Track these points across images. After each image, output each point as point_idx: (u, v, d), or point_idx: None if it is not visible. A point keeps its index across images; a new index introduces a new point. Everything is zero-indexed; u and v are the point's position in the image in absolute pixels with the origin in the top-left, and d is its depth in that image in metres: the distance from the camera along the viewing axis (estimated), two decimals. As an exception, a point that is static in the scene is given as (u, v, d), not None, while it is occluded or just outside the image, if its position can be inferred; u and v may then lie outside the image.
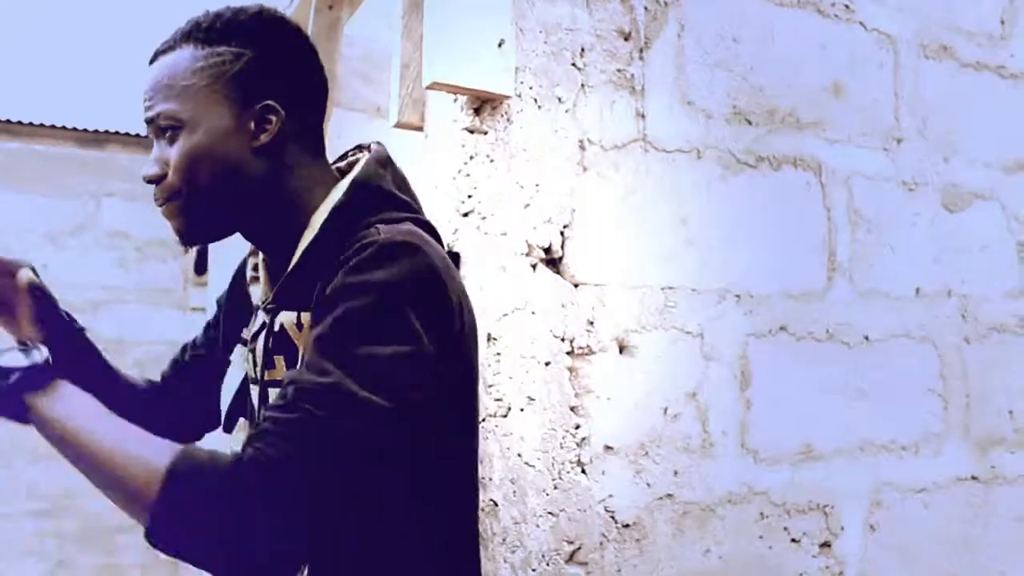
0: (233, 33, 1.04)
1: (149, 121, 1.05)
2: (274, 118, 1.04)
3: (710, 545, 1.59)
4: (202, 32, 1.05)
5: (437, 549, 1.02)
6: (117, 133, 6.14)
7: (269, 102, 1.04)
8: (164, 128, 1.03)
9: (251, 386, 1.12)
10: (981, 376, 1.97)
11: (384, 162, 1.09)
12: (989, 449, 1.98)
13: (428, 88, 1.31)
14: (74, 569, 5.52)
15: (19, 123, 5.98)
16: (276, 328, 1.05)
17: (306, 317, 1.01)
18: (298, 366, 0.99)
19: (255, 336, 1.11)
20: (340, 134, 3.40)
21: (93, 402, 0.93)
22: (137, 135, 6.15)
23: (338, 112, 3.14)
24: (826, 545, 1.73)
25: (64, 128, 6.10)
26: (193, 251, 5.47)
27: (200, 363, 1.30)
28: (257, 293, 1.14)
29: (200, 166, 1.01)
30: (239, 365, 1.18)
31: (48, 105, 7.33)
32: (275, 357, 1.06)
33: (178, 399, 1.31)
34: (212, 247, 5.00)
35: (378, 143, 1.14)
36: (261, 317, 1.10)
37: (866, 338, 1.81)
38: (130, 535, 5.60)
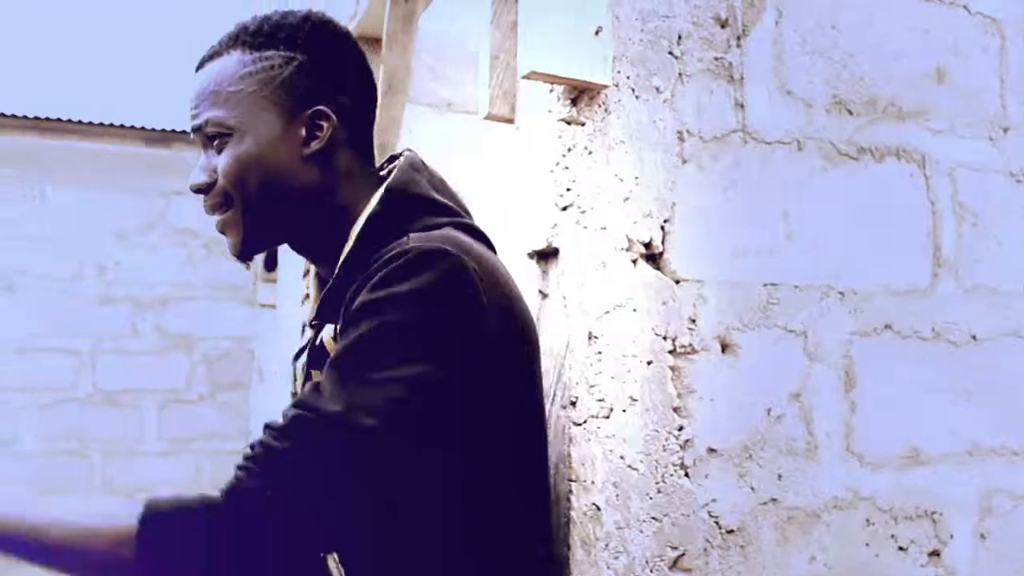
0: (282, 37, 1.01)
1: (196, 129, 1.02)
2: (325, 124, 1.00)
3: (815, 552, 1.52)
4: (249, 36, 1.01)
5: (467, 561, 0.98)
6: (184, 132, 6.23)
7: (320, 108, 1.00)
8: (212, 136, 1.00)
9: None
10: (1093, 376, 1.87)
11: (417, 166, 1.06)
12: (1102, 453, 1.87)
13: (524, 78, 1.27)
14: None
15: (89, 123, 6.09)
16: (317, 343, 1.02)
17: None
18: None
19: (299, 353, 1.09)
20: (412, 128, 3.38)
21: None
22: (203, 135, 6.23)
23: (408, 107, 3.12)
24: (935, 554, 1.65)
25: (132, 128, 6.20)
26: (262, 249, 5.51)
27: None
28: (307, 311, 1.12)
29: (250, 174, 0.98)
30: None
31: (115, 105, 7.47)
32: (312, 372, 1.03)
33: None
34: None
35: (409, 150, 1.10)
36: (308, 334, 1.07)
37: (973, 337, 1.73)
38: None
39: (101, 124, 6.15)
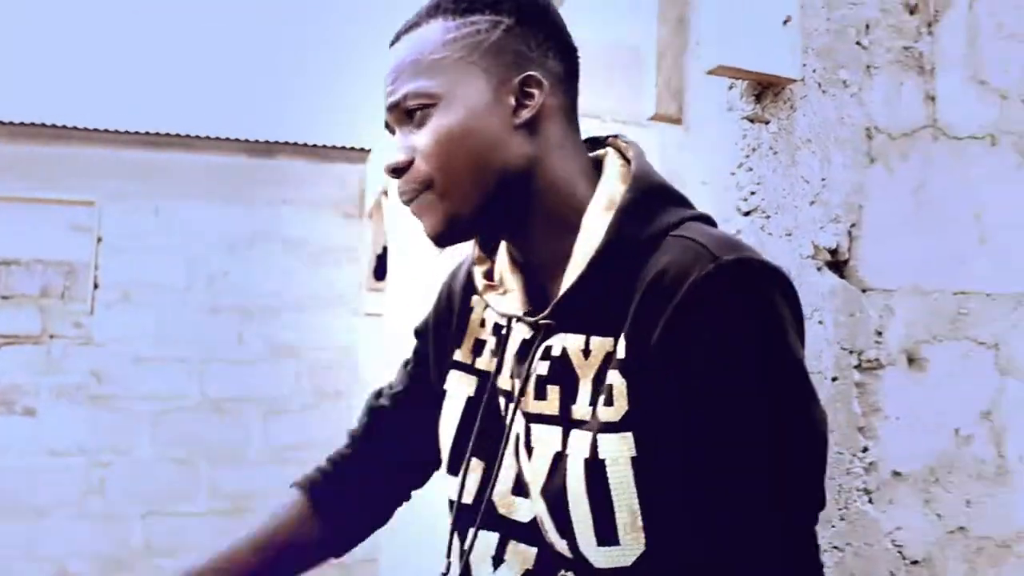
0: (486, 1, 0.92)
1: (393, 106, 0.93)
2: (536, 91, 0.90)
3: (1008, 586, 1.39)
4: (451, 3, 0.93)
5: None
6: (286, 143, 6.31)
7: (531, 73, 0.90)
8: (412, 110, 0.91)
9: (511, 415, 0.95)
10: None
11: (643, 153, 0.95)
12: None
13: (710, 73, 1.18)
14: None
15: (195, 137, 6.22)
16: (557, 352, 0.89)
17: (597, 343, 0.86)
18: (580, 400, 0.86)
19: (519, 357, 0.94)
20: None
21: None
22: (305, 144, 6.30)
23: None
24: None
25: (236, 140, 6.30)
26: (371, 257, 5.54)
27: (403, 405, 1.16)
28: (503, 303, 0.97)
29: (458, 145, 0.88)
30: (458, 394, 1.03)
31: (217, 118, 7.65)
32: (548, 387, 0.89)
33: (381, 455, 1.16)
34: (391, 252, 5.04)
35: (615, 135, 1.00)
36: (521, 333, 0.95)
37: None
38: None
39: (207, 137, 6.27)
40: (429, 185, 0.91)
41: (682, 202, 0.92)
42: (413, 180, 0.91)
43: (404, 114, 0.92)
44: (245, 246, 5.91)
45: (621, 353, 0.83)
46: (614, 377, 0.83)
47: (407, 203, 0.94)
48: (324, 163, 6.17)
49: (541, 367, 0.90)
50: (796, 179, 1.23)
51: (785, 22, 1.21)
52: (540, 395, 0.90)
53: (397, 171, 0.92)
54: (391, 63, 0.94)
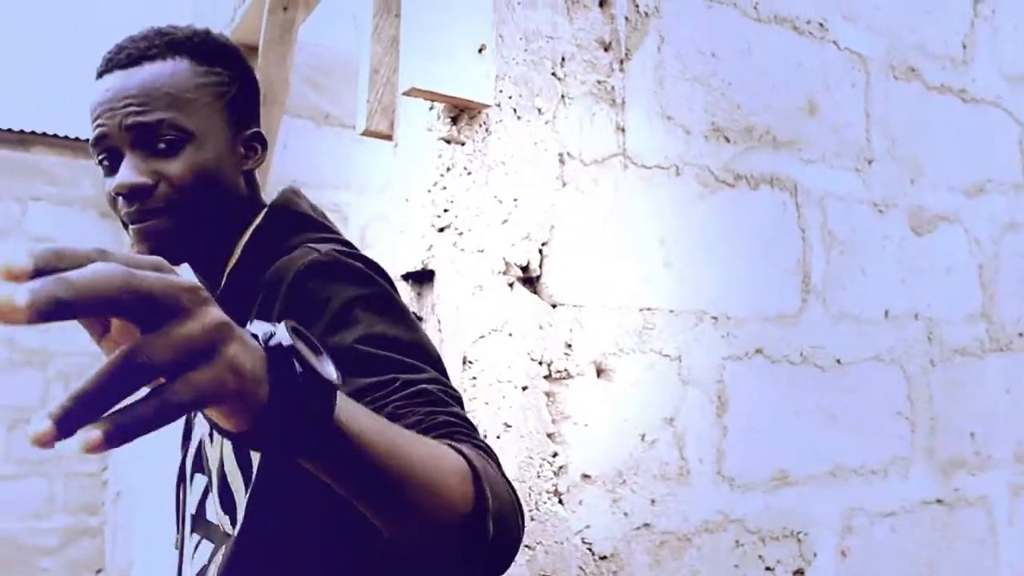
0: (222, 55, 1.02)
1: (138, 126, 0.96)
2: (259, 146, 1.03)
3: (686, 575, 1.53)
4: (194, 47, 1.00)
5: None
6: (44, 135, 5.88)
7: (258, 130, 1.04)
8: (164, 137, 0.96)
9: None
10: (945, 399, 1.96)
11: (298, 192, 1.08)
12: (952, 472, 1.96)
13: (405, 94, 1.23)
14: (-10, 594, 5.23)
15: (-62, 122, 5.69)
16: None
17: None
18: None
19: None
20: (287, 143, 3.28)
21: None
22: (65, 137, 5.90)
23: (285, 120, 3.03)
24: (799, 572, 1.69)
25: (-13, 128, 5.83)
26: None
27: None
28: None
29: (209, 182, 0.97)
30: None
31: (-31, 104, 7.00)
32: None
33: None
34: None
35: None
36: None
37: (838, 361, 1.78)
38: (51, 558, 5.33)
39: (-48, 123, 5.76)
40: (170, 211, 0.96)
41: (322, 228, 1.02)
42: (156, 202, 0.96)
43: (149, 138, 0.95)
44: (-12, 243, 5.46)
45: None
46: None
47: (139, 222, 0.97)
48: (82, 159, 5.80)
49: None
50: (489, 198, 1.30)
51: (480, 50, 1.27)
52: None
53: (138, 191, 0.95)
54: (135, 84, 0.97)
